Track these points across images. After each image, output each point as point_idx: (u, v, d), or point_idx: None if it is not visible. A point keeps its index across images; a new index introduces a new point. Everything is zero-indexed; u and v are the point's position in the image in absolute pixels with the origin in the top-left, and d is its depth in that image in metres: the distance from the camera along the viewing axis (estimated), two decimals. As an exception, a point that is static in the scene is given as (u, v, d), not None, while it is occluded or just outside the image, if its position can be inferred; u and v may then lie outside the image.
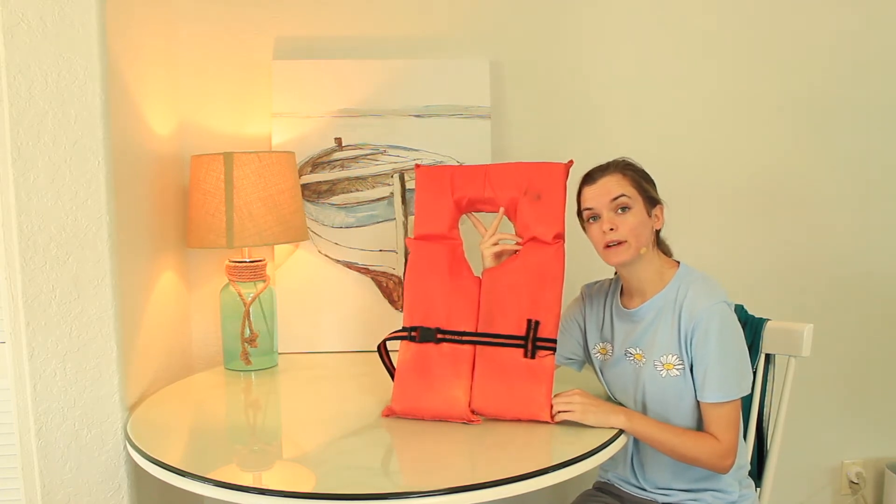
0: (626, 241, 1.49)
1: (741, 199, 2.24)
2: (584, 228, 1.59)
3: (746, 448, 1.68)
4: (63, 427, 1.59)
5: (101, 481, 1.61)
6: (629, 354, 1.57)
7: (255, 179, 1.81)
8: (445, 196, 1.58)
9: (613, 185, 1.51)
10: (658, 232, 1.58)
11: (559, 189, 1.53)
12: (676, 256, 1.60)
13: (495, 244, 1.56)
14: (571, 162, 1.56)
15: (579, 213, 1.59)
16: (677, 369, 1.50)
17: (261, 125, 2.10)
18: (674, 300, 1.51)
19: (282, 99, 2.05)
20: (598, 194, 1.51)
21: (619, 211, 1.50)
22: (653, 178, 1.57)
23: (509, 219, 1.58)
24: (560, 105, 2.17)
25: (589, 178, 1.55)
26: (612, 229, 1.49)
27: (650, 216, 1.53)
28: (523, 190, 1.54)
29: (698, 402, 1.49)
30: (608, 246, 1.50)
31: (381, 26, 2.11)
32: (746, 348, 1.52)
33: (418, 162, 2.05)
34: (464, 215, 1.63)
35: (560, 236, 1.52)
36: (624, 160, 1.57)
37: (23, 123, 1.52)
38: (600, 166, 1.56)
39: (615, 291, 1.64)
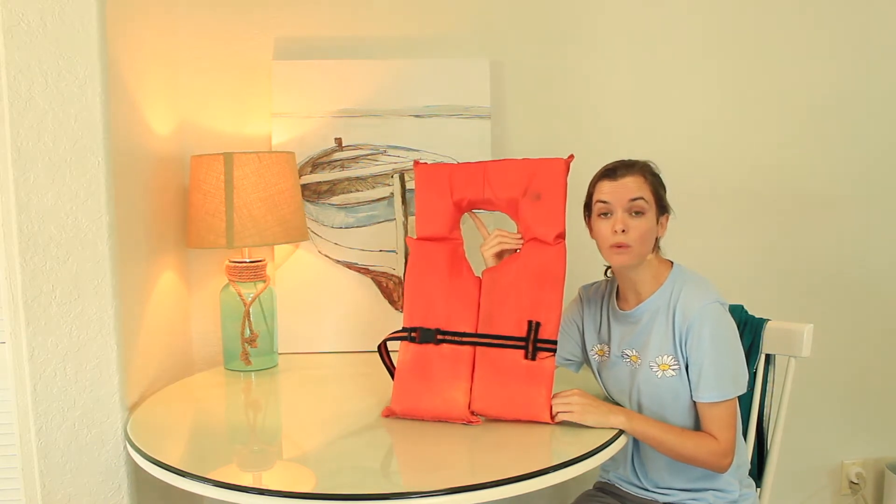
0: (632, 247, 1.48)
1: (741, 198, 2.24)
2: (587, 221, 1.58)
3: (747, 448, 1.68)
4: (63, 427, 1.59)
5: (101, 481, 1.61)
6: (625, 356, 1.57)
7: (255, 179, 1.81)
8: (445, 197, 1.57)
9: (634, 186, 1.49)
10: (657, 239, 1.57)
11: (559, 187, 1.51)
12: (676, 256, 1.60)
13: (495, 245, 1.56)
14: (572, 157, 1.54)
15: (587, 206, 1.57)
16: (673, 370, 1.50)
17: (261, 125, 2.10)
18: (668, 301, 1.51)
19: (282, 99, 2.05)
20: (617, 191, 1.49)
21: (634, 214, 1.48)
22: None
23: (511, 218, 1.58)
24: (560, 105, 2.17)
25: (611, 172, 1.52)
26: (623, 231, 1.47)
27: (657, 224, 1.53)
28: (523, 190, 1.53)
29: (694, 402, 1.50)
30: (614, 246, 1.49)
31: (381, 26, 2.11)
32: (741, 347, 1.52)
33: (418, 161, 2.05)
34: (466, 214, 1.63)
35: (561, 236, 1.51)
36: (647, 163, 1.55)
37: (23, 123, 1.52)
38: (625, 163, 1.53)
39: (611, 293, 1.64)
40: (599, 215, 1.52)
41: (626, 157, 1.57)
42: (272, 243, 1.84)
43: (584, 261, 1.68)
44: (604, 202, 1.50)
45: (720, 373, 1.46)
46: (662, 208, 1.54)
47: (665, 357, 1.50)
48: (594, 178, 1.55)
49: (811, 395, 2.30)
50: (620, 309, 1.60)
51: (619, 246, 1.48)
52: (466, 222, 2.01)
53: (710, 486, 1.55)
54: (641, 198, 1.49)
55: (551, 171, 1.52)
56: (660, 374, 1.51)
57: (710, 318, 1.46)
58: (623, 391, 1.58)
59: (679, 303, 1.49)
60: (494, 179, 1.55)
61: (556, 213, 1.51)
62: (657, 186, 1.53)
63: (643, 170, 1.53)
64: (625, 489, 1.65)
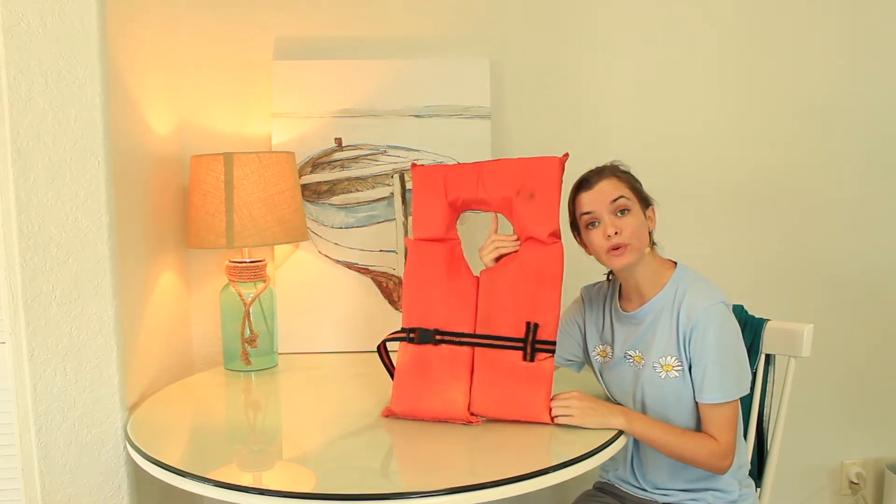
0: (629, 244, 1.48)
1: (741, 198, 2.24)
2: (577, 238, 1.58)
3: (746, 448, 1.68)
4: (63, 427, 1.59)
5: (101, 481, 1.61)
6: (629, 357, 1.57)
7: (255, 179, 1.81)
8: (439, 198, 1.57)
9: (611, 188, 1.50)
10: (651, 233, 1.57)
11: (553, 185, 1.50)
12: (676, 256, 1.60)
13: (493, 251, 1.55)
14: (567, 155, 1.53)
15: (573, 223, 1.57)
16: (676, 371, 1.50)
17: (261, 125, 2.10)
18: (671, 302, 1.51)
19: (282, 99, 2.05)
20: (596, 198, 1.50)
21: (619, 214, 1.49)
22: (641, 179, 1.58)
23: (506, 218, 1.58)
24: (560, 105, 2.17)
25: (585, 183, 1.54)
26: (616, 233, 1.48)
27: (645, 217, 1.53)
28: (516, 190, 1.52)
29: (697, 402, 1.49)
30: (612, 250, 1.49)
31: (381, 26, 2.11)
32: (745, 348, 1.52)
33: (418, 162, 2.05)
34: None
35: (556, 234, 1.50)
36: (614, 164, 1.57)
37: (23, 123, 1.52)
38: (594, 171, 1.55)
39: (614, 294, 1.64)
40: (588, 227, 1.52)
41: (624, 158, 1.59)
42: (272, 243, 1.84)
43: (585, 261, 1.68)
44: (588, 213, 1.51)
45: (724, 374, 1.46)
46: (644, 201, 1.55)
47: (669, 358, 1.50)
48: (570, 195, 1.56)
49: (811, 395, 2.30)
50: (623, 310, 1.60)
51: (617, 248, 1.48)
52: (465, 222, 2.02)
53: (709, 487, 1.55)
54: (622, 196, 1.50)
55: (545, 170, 1.51)
56: (663, 374, 1.51)
57: (714, 319, 1.46)
58: (627, 392, 1.58)
59: (683, 303, 1.49)
60: (488, 179, 1.54)
61: (550, 212, 1.50)
62: (632, 182, 1.54)
63: (613, 171, 1.54)
64: (624, 489, 1.65)
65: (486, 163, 1.57)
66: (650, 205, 1.56)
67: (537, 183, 1.51)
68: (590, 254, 1.56)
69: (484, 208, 1.58)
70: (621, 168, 1.56)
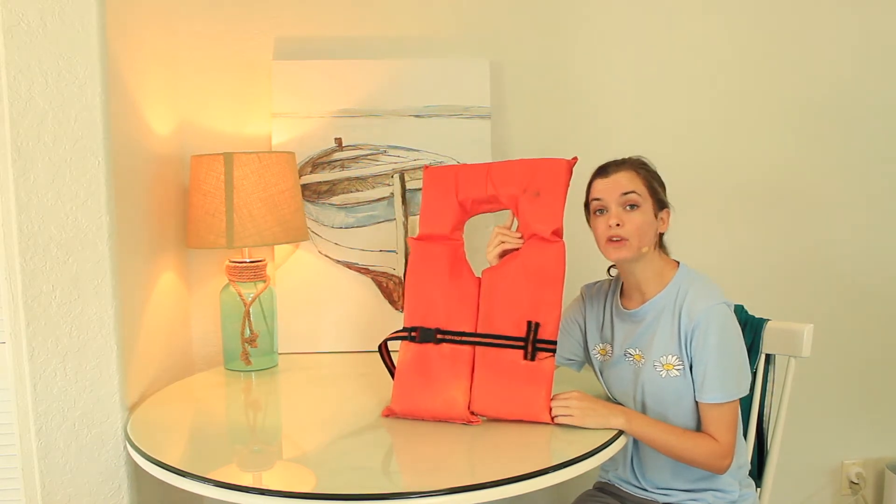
0: (628, 240, 1.49)
1: (742, 199, 2.24)
2: (588, 220, 1.59)
3: (746, 448, 1.68)
4: (63, 427, 1.59)
5: (101, 481, 1.61)
6: (628, 355, 1.57)
7: (255, 179, 1.81)
8: (450, 197, 1.58)
9: (626, 181, 1.51)
10: (661, 235, 1.57)
11: (560, 185, 1.52)
12: (677, 256, 1.60)
13: (497, 245, 1.56)
14: (576, 159, 1.54)
15: (586, 205, 1.58)
16: (677, 370, 1.50)
17: (261, 125, 2.10)
18: (673, 301, 1.51)
19: (282, 99, 2.05)
20: (609, 187, 1.51)
21: (628, 207, 1.50)
22: (664, 181, 1.58)
23: (514, 215, 1.58)
24: (560, 105, 2.17)
25: (602, 170, 1.55)
26: (617, 224, 1.48)
27: (656, 218, 1.53)
28: (523, 187, 1.54)
29: (697, 402, 1.50)
30: (610, 240, 1.50)
31: (381, 26, 2.11)
32: (745, 349, 1.52)
33: (418, 162, 2.06)
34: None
35: (558, 233, 1.50)
36: (640, 159, 1.57)
37: (23, 123, 1.52)
38: (616, 161, 1.56)
39: (615, 292, 1.64)
40: (595, 213, 1.53)
41: (642, 157, 1.58)
42: (272, 243, 1.84)
43: (586, 261, 1.68)
44: (598, 199, 1.52)
45: (724, 374, 1.46)
46: (660, 203, 1.54)
47: (669, 357, 1.50)
48: (589, 179, 1.57)
49: (811, 395, 2.30)
50: (624, 308, 1.60)
51: (615, 239, 1.49)
52: (466, 224, 2.01)
53: (709, 487, 1.55)
54: (633, 191, 1.50)
55: (553, 169, 1.53)
56: (664, 373, 1.51)
57: (716, 319, 1.46)
58: (626, 391, 1.58)
59: (685, 303, 1.49)
60: (497, 176, 1.56)
61: (554, 210, 1.51)
62: (651, 181, 1.54)
63: (634, 165, 1.54)
64: (624, 489, 1.65)
65: (495, 163, 1.59)
66: (665, 207, 1.56)
67: (544, 181, 1.52)
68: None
69: (494, 207, 1.59)
70: (645, 164, 1.56)
